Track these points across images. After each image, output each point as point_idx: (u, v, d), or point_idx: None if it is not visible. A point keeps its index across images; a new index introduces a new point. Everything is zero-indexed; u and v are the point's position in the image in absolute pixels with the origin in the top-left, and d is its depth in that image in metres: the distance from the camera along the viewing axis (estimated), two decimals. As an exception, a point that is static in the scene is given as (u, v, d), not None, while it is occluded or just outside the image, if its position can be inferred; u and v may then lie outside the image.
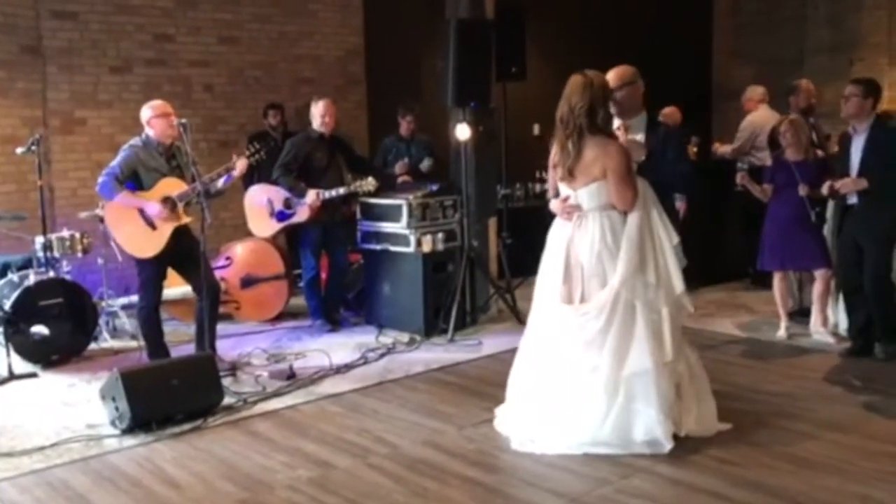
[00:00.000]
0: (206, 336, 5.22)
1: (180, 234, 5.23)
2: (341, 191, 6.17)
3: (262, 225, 6.46)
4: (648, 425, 3.75)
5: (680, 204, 6.25)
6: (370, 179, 6.21)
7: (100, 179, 5.12)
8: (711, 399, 4.02)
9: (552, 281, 3.97)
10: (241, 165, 5.38)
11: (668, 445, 3.74)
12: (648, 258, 3.80)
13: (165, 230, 5.14)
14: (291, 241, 7.04)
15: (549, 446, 3.83)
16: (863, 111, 5.08)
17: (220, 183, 5.34)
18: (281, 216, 6.34)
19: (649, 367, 3.73)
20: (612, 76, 4.05)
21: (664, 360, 3.77)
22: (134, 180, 5.16)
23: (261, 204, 6.41)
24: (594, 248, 3.83)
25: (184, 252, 5.23)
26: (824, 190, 5.25)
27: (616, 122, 4.10)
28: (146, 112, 5.19)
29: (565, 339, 3.87)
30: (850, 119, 5.15)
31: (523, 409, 4.01)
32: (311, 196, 6.12)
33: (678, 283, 3.84)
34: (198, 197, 5.08)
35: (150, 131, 5.19)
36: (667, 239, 3.85)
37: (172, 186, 5.15)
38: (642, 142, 4.02)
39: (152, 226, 5.15)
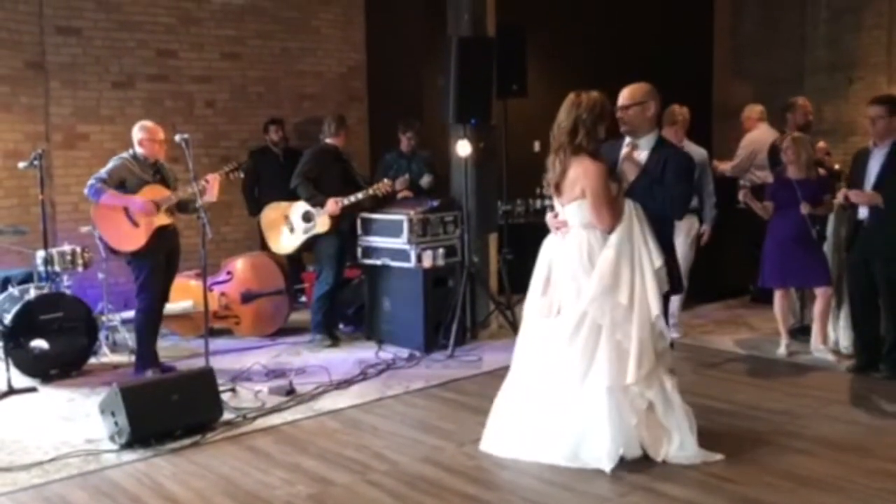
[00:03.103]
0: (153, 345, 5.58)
1: (167, 238, 5.54)
2: (359, 195, 6.24)
3: (283, 242, 6.48)
4: (597, 444, 3.79)
5: (705, 228, 6.26)
6: (386, 181, 6.33)
7: (88, 182, 5.45)
8: (692, 430, 3.90)
9: (533, 294, 4.07)
10: (211, 178, 5.50)
11: (608, 467, 3.74)
12: (623, 279, 3.80)
13: (147, 228, 5.45)
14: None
15: (506, 451, 3.99)
16: (890, 131, 5.04)
17: (199, 202, 5.31)
18: (302, 230, 6.38)
19: (605, 388, 3.75)
20: (623, 93, 4.08)
21: (624, 383, 3.76)
22: (120, 188, 5.47)
23: (278, 222, 6.44)
24: (570, 265, 3.91)
25: (167, 260, 5.61)
26: (839, 197, 5.22)
27: (626, 140, 4.12)
28: (138, 133, 5.53)
29: (537, 351, 3.99)
30: (879, 140, 5.09)
31: (494, 414, 4.16)
32: (331, 205, 6.16)
33: (655, 306, 3.81)
34: (198, 212, 5.21)
35: (139, 149, 5.54)
36: (648, 261, 3.83)
37: (156, 193, 5.49)
38: (642, 162, 4.03)
39: (135, 223, 5.46)
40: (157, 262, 5.52)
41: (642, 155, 4.06)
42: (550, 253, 4.05)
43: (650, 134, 4.10)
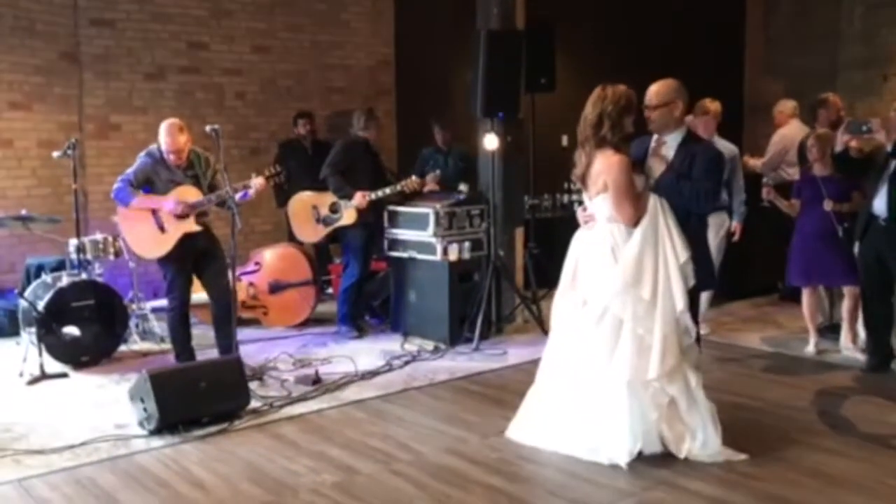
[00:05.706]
0: (221, 341, 5.37)
1: (199, 239, 5.36)
2: (387, 190, 6.29)
3: (309, 230, 6.55)
4: (612, 438, 3.80)
5: (736, 225, 6.23)
6: (414, 178, 6.36)
7: (115, 185, 5.31)
8: (716, 427, 3.87)
9: (561, 288, 4.10)
10: (257, 184, 5.37)
11: (623, 462, 3.75)
12: (646, 273, 3.78)
13: (174, 234, 5.28)
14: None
15: (529, 438, 4.07)
16: None
17: (238, 197, 5.26)
18: (328, 221, 6.43)
19: (625, 383, 3.75)
20: (650, 93, 4.05)
21: (646, 378, 3.75)
22: (149, 187, 5.32)
23: (306, 211, 6.51)
24: (595, 258, 3.92)
25: (204, 258, 5.42)
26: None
27: (655, 135, 4.11)
28: (162, 139, 5.25)
29: (560, 343, 4.05)
30: None
31: (523, 405, 4.23)
32: (358, 198, 6.22)
33: (680, 301, 3.78)
34: (228, 203, 5.18)
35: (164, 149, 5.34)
36: (673, 256, 3.80)
37: (188, 194, 5.30)
38: (669, 157, 4.02)
39: (162, 229, 5.30)
40: (183, 266, 5.38)
41: (670, 151, 4.04)
42: (579, 247, 4.07)
43: (677, 131, 4.08)
